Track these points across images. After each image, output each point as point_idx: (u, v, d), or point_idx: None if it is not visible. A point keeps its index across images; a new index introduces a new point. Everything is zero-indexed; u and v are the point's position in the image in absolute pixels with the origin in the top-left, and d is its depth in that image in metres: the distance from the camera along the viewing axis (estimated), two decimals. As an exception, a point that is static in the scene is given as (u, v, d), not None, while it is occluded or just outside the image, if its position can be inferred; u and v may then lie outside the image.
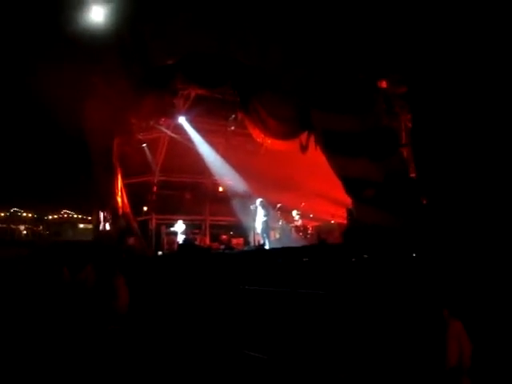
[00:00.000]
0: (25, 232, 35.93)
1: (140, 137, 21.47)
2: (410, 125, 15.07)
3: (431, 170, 12.77)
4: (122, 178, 21.25)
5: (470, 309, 6.54)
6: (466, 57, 11.52)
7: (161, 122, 21.50)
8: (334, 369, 8.12)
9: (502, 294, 7.62)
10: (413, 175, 14.28)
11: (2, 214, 38.85)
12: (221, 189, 24.14)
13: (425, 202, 13.20)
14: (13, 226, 35.99)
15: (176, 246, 20.44)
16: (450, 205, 11.64)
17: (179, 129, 21.84)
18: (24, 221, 38.68)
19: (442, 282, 6.08)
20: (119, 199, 20.93)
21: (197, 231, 23.35)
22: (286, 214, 20.44)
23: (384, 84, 15.40)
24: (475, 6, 11.29)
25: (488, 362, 5.91)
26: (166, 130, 22.01)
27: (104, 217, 21.91)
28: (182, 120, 21.31)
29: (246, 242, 20.81)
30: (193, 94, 20.20)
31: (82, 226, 39.47)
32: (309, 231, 19.81)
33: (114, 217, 21.22)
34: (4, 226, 36.49)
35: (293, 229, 20.25)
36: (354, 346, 8.58)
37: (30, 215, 39.86)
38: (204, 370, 8.95)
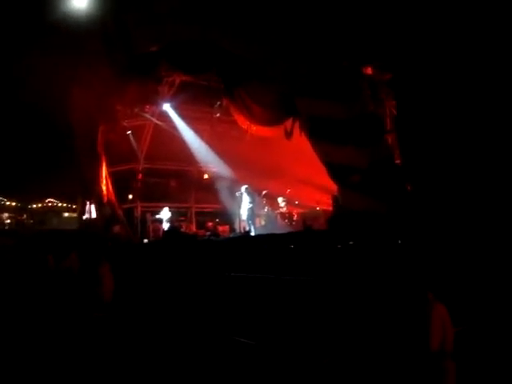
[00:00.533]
0: (8, 221, 35.67)
1: (125, 124, 21.34)
2: (394, 111, 15.11)
3: (416, 157, 12.86)
4: (107, 165, 21.15)
5: (454, 292, 6.63)
6: (449, 44, 11.57)
7: (146, 109, 21.40)
8: (319, 354, 8.19)
9: (484, 277, 7.73)
10: (398, 162, 14.36)
11: (-14, 204, 38.61)
12: (206, 176, 24.11)
13: (409, 188, 13.30)
14: (-4, 215, 35.76)
15: (161, 233, 20.42)
16: (434, 191, 11.75)
17: (164, 116, 21.76)
18: (7, 209, 38.40)
19: (426, 266, 6.16)
20: (104, 187, 20.85)
21: (183, 218, 23.32)
22: (271, 200, 20.47)
23: (369, 70, 15.40)
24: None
25: (472, 346, 6.01)
26: (150, 117, 21.90)
27: (89, 205, 21.83)
28: (166, 107, 21.23)
29: (232, 229, 20.84)
30: (177, 80, 20.11)
31: (66, 214, 39.33)
32: (294, 218, 19.85)
33: (98, 205, 21.15)
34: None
35: (278, 215, 20.29)
36: (338, 330, 8.66)
37: (13, 204, 39.59)
38: (190, 356, 8.99)
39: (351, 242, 11.67)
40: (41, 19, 16.97)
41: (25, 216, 38.67)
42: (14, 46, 17.10)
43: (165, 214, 21.31)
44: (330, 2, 13.96)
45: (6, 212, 37.52)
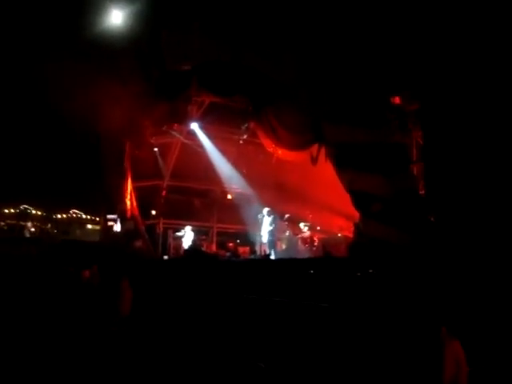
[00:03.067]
0: (33, 229, 36.05)
1: (152, 141, 21.58)
2: (421, 142, 15.07)
3: (441, 188, 12.77)
4: (132, 180, 21.39)
5: (469, 329, 6.55)
6: (477, 77, 11.55)
7: (173, 128, 21.60)
8: (333, 381, 8.13)
9: (503, 316, 7.61)
10: (422, 193, 14.27)
11: (12, 211, 39.10)
12: (229, 196, 24.18)
13: (433, 219, 13.19)
14: (21, 223, 36.15)
15: (182, 251, 20.50)
16: (458, 224, 11.64)
17: (191, 135, 21.93)
18: (33, 218, 38.84)
19: (443, 301, 6.10)
20: (128, 202, 21.08)
21: (204, 237, 23.37)
22: (293, 224, 20.43)
23: (397, 100, 15.42)
24: (486, 25, 11.34)
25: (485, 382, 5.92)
26: (178, 136, 22.11)
27: (112, 218, 22.05)
28: (194, 126, 21.39)
29: (252, 251, 20.81)
30: (207, 101, 20.31)
31: (90, 226, 39.67)
32: (315, 243, 19.77)
33: (122, 219, 21.35)
34: (13, 222, 36.70)
35: (299, 240, 20.22)
36: (352, 359, 8.59)
37: (39, 213, 40.07)
38: (204, 375, 8.98)
39: (371, 271, 11.60)
40: (77, 34, 17.37)
41: (49, 225, 39.08)
42: (50, 59, 17.48)
43: (187, 232, 21.41)
44: (362, 30, 14.05)
45: (31, 220, 37.93)
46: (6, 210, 39.29)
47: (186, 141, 22.25)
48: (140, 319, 12.14)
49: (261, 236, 19.07)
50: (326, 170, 16.11)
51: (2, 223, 36.75)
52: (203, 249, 21.70)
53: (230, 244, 22.51)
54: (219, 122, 21.26)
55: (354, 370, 8.24)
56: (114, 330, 11.17)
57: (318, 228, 20.27)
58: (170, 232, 22.03)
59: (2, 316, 12.26)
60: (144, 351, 10.40)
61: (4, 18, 18.14)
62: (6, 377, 8.61)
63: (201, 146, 21.98)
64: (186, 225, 21.81)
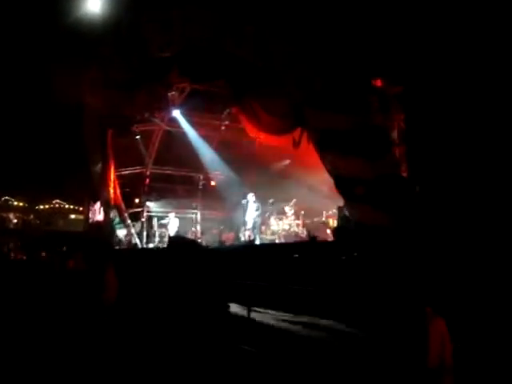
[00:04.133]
0: (15, 221, 35.81)
1: (134, 128, 21.47)
2: (403, 125, 15.11)
3: (423, 170, 12.86)
4: (115, 169, 21.28)
5: (453, 307, 6.64)
6: (460, 59, 11.59)
7: (155, 115, 21.50)
8: (321, 362, 8.20)
9: (487, 293, 7.72)
10: (404, 175, 14.34)
11: (-6, 203, 38.79)
12: (213, 183, 24.17)
13: (415, 201, 13.28)
14: (3, 215, 35.89)
15: (167, 239, 20.48)
16: (441, 204, 11.74)
17: (173, 122, 21.86)
18: (15, 209, 38.56)
19: (427, 280, 6.17)
20: (111, 190, 20.96)
21: (188, 224, 23.35)
22: (277, 209, 20.46)
23: (379, 83, 15.43)
24: (470, 7, 11.37)
25: (471, 361, 6.00)
26: (160, 123, 22.02)
27: (96, 208, 21.95)
28: (176, 113, 21.32)
29: (237, 237, 20.84)
30: (188, 87, 20.22)
31: (73, 216, 39.46)
32: (300, 228, 19.83)
33: (105, 207, 21.26)
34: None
35: (284, 225, 20.24)
36: (339, 341, 8.67)
37: (21, 204, 39.76)
38: (192, 362, 9.01)
39: (355, 254, 11.67)
40: (54, 23, 17.13)
41: (32, 216, 38.84)
42: (28, 49, 17.26)
43: (171, 219, 21.38)
44: (343, 14, 14.01)
45: (14, 212, 37.67)
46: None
47: (168, 128, 22.18)
48: (126, 307, 12.14)
49: (245, 221, 19.08)
50: (309, 154, 16.13)
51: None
52: (188, 236, 21.69)
53: (215, 231, 22.56)
54: (201, 108, 21.23)
55: (341, 352, 8.31)
56: (100, 319, 11.15)
57: (303, 212, 20.32)
58: (154, 220, 22.00)
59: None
60: (130, 339, 10.42)
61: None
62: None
63: (183, 132, 21.92)
64: (169, 212, 21.80)
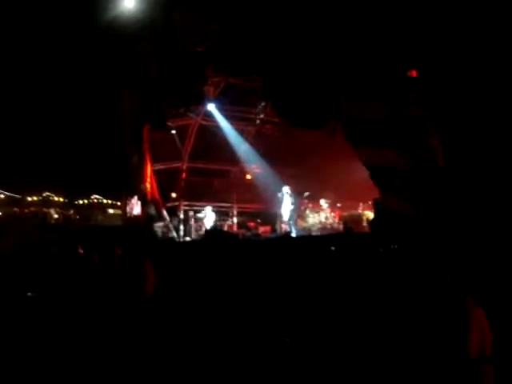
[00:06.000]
0: (56, 216, 36.50)
1: (170, 123, 21.68)
2: (439, 115, 14.94)
3: (460, 161, 12.71)
4: (152, 164, 21.54)
5: (493, 297, 6.58)
6: (496, 48, 11.42)
7: (191, 109, 21.66)
8: (359, 356, 8.22)
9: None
10: (441, 165, 14.20)
11: (35, 198, 39.68)
12: (249, 176, 24.26)
13: (453, 192, 13.14)
14: (45, 210, 36.63)
15: (204, 231, 20.67)
16: (478, 194, 11.60)
17: (208, 116, 22.00)
18: (55, 205, 39.34)
19: (467, 271, 6.14)
20: (148, 185, 21.23)
21: (224, 218, 23.51)
22: (313, 202, 20.45)
23: (414, 74, 15.28)
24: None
25: (509, 351, 5.96)
26: (195, 117, 22.18)
27: (133, 202, 22.25)
28: (211, 107, 21.45)
29: (273, 230, 20.91)
30: (222, 81, 20.32)
31: (111, 211, 40.04)
32: (336, 220, 19.80)
33: (142, 202, 21.54)
34: (37, 209, 37.22)
35: (320, 217, 20.24)
36: (380, 333, 8.66)
37: (61, 199, 40.59)
38: (229, 351, 9.11)
39: (393, 246, 11.62)
40: (91, 20, 17.44)
41: (72, 212, 39.57)
42: (67, 47, 17.60)
43: (208, 213, 21.55)
44: (378, 5, 13.91)
45: (54, 207, 38.41)
46: (30, 198, 39.88)
47: (204, 122, 22.33)
48: (164, 299, 12.31)
49: (281, 214, 19.14)
50: (345, 147, 16.08)
51: (27, 210, 37.29)
52: (224, 229, 21.84)
53: (251, 224, 22.64)
54: (236, 101, 21.31)
55: (381, 343, 8.32)
56: (140, 310, 11.34)
57: (339, 205, 20.28)
58: (190, 214, 22.20)
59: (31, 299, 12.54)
60: (169, 328, 10.58)
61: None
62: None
63: (218, 126, 22.04)
64: (206, 206, 21.97)
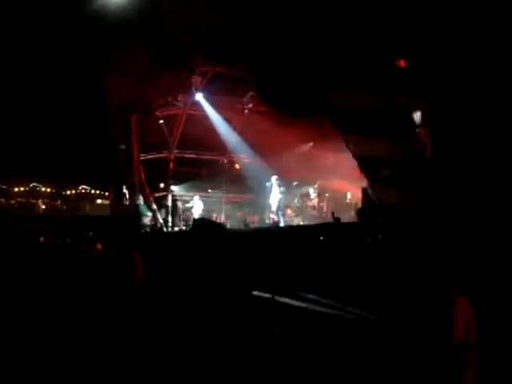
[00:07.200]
0: (43, 206, 36.38)
1: (157, 113, 21.60)
2: (428, 105, 14.96)
3: (448, 151, 12.74)
4: (139, 154, 21.47)
5: (477, 286, 6.63)
6: (486, 40, 11.41)
7: (178, 99, 21.59)
8: (345, 344, 8.27)
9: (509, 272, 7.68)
10: (429, 156, 14.23)
11: (22, 189, 39.44)
12: (237, 166, 24.25)
13: (441, 182, 13.18)
14: (32, 201, 36.48)
15: (192, 221, 20.65)
16: (467, 185, 11.64)
17: (196, 106, 21.93)
18: (43, 196, 39.19)
19: (452, 261, 6.17)
20: (136, 175, 21.17)
21: (213, 208, 23.51)
22: (301, 192, 20.48)
23: (403, 63, 15.28)
24: None
25: (492, 338, 6.03)
26: (183, 107, 22.11)
27: (121, 192, 22.20)
28: (199, 97, 21.39)
29: (261, 220, 20.93)
30: (210, 71, 20.24)
31: (99, 201, 39.97)
32: (324, 210, 19.84)
33: (130, 192, 21.48)
34: (24, 200, 37.05)
35: (308, 207, 20.29)
36: (364, 322, 8.71)
37: (48, 190, 40.40)
38: (217, 339, 9.14)
39: (380, 236, 11.64)
40: (79, 9, 17.26)
41: (59, 202, 39.42)
42: (53, 34, 17.42)
43: (196, 202, 21.52)
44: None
45: (42, 198, 38.26)
46: (16, 189, 39.65)
47: (192, 112, 22.26)
48: (152, 289, 12.31)
49: (269, 204, 19.14)
50: (333, 136, 16.08)
51: (13, 201, 37.12)
52: (212, 219, 21.83)
53: (239, 214, 22.66)
54: (224, 91, 21.26)
55: (366, 332, 8.37)
56: (128, 299, 11.34)
57: (327, 195, 20.32)
58: (179, 204, 22.18)
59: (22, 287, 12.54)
60: (157, 317, 10.60)
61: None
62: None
63: (206, 116, 21.98)
64: (194, 196, 21.94)
